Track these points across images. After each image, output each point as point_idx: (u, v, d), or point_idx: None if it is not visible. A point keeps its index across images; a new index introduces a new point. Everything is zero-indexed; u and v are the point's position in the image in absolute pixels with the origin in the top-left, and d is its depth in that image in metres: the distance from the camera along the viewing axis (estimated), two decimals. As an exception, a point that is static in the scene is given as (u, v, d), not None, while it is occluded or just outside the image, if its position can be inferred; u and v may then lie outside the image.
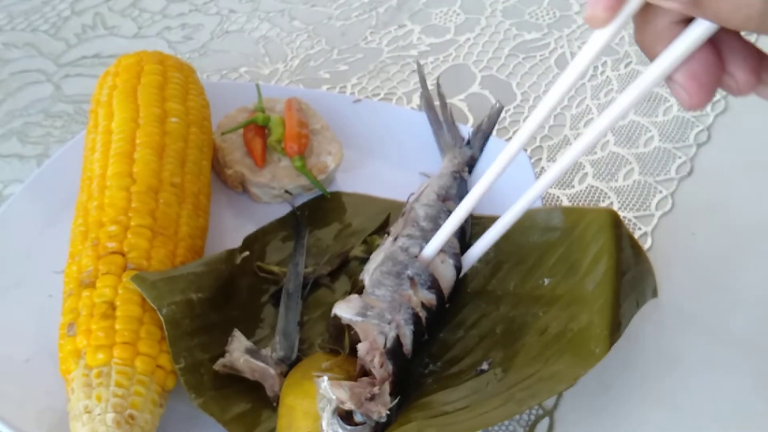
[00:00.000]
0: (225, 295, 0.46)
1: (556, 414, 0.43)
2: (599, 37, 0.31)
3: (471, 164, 0.54)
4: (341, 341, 0.41)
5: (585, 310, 0.42)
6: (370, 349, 0.39)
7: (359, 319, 0.40)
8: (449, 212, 0.47)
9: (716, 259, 0.50)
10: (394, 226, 0.48)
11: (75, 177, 0.50)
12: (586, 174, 0.57)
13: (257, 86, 0.58)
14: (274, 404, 0.41)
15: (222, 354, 0.42)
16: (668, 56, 0.30)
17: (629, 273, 0.43)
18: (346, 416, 0.37)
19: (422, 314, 0.42)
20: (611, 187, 0.56)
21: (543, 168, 0.57)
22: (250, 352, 0.42)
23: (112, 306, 0.41)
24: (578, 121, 0.61)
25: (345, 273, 0.49)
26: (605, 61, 0.66)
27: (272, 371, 0.41)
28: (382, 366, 0.39)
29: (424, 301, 0.43)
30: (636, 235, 0.50)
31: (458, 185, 0.51)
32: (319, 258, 0.50)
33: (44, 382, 0.42)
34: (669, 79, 0.30)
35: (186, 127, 0.50)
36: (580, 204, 0.55)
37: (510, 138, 0.60)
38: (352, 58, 0.69)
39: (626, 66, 0.66)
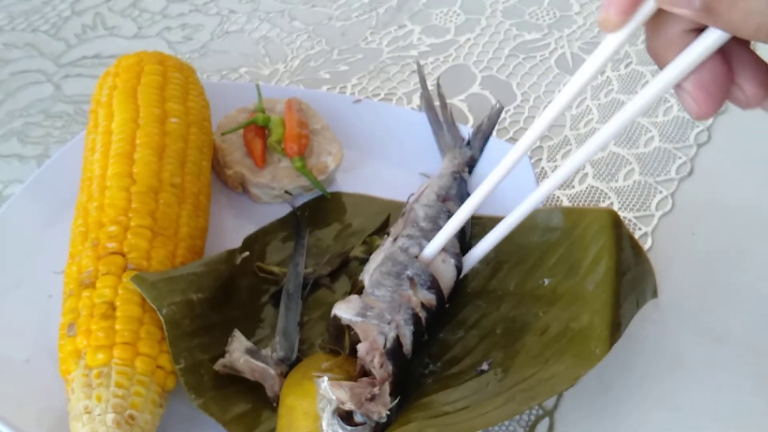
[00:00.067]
0: (225, 296, 0.46)
1: (557, 414, 0.43)
2: (611, 42, 0.31)
3: (471, 164, 0.54)
4: (341, 341, 0.41)
5: (585, 310, 0.42)
6: (370, 350, 0.39)
7: (359, 319, 0.40)
8: (449, 212, 0.47)
9: (716, 259, 0.50)
10: (394, 227, 0.47)
11: (75, 177, 0.50)
12: (586, 174, 0.57)
13: (257, 86, 0.58)
14: (274, 404, 0.41)
15: (222, 354, 0.42)
16: (678, 64, 0.30)
17: (629, 273, 0.43)
18: (346, 416, 0.37)
19: (422, 314, 0.42)
20: (611, 188, 0.56)
21: (543, 168, 0.57)
22: (250, 352, 0.42)
23: (112, 306, 0.41)
24: (578, 122, 0.61)
25: (345, 273, 0.49)
26: (605, 62, 0.66)
27: (272, 371, 0.41)
28: (382, 366, 0.39)
29: (424, 301, 0.43)
30: (636, 236, 0.50)
31: (458, 185, 0.51)
32: (320, 258, 0.50)
33: (44, 382, 0.42)
34: (678, 87, 0.30)
35: (186, 128, 0.50)
36: (581, 204, 0.55)
37: (510, 138, 0.60)
38: (353, 58, 0.69)
39: (626, 66, 0.66)
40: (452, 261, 0.45)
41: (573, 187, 0.56)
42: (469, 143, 0.55)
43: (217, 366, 0.42)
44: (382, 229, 0.51)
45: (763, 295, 0.48)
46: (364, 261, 0.48)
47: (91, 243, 0.43)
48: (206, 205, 0.50)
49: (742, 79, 0.29)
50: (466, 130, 0.56)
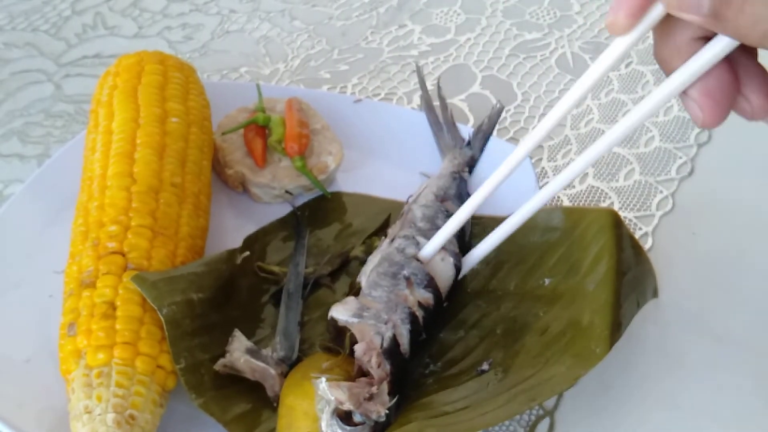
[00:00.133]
0: (225, 295, 0.46)
1: (557, 414, 0.43)
2: (618, 45, 0.31)
3: (471, 164, 0.54)
4: (341, 341, 0.41)
5: (586, 310, 0.42)
6: (367, 350, 0.39)
7: (355, 320, 0.40)
8: (447, 212, 0.47)
9: (717, 259, 0.50)
10: (392, 228, 0.48)
11: (75, 177, 0.50)
12: (586, 174, 0.57)
13: (258, 86, 0.57)
14: (275, 404, 0.41)
15: (222, 354, 0.42)
16: (686, 70, 0.30)
17: (630, 273, 0.43)
18: (345, 417, 0.37)
19: (419, 313, 0.42)
20: (612, 187, 0.56)
21: (543, 168, 0.57)
22: (251, 352, 0.42)
23: (113, 306, 0.41)
24: (579, 121, 0.61)
25: (345, 273, 0.49)
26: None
27: (272, 371, 0.41)
28: (379, 366, 0.39)
29: (421, 300, 0.43)
30: (637, 235, 0.50)
31: (457, 185, 0.51)
32: (320, 258, 0.50)
33: (44, 382, 0.42)
34: (684, 94, 0.30)
35: (186, 127, 0.50)
36: (581, 204, 0.55)
37: (511, 138, 0.60)
38: (353, 58, 0.69)
39: (627, 66, 0.66)
40: (451, 260, 0.45)
41: (573, 186, 0.56)
42: (469, 143, 0.55)
43: (218, 366, 0.42)
44: (383, 229, 0.51)
45: (763, 295, 0.48)
46: (364, 261, 0.48)
47: (92, 242, 0.43)
48: (207, 204, 0.50)
49: (748, 90, 0.30)
50: (467, 130, 0.56)
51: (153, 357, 0.40)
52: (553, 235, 0.46)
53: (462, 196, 0.50)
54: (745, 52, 0.30)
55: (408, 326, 0.41)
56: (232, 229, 0.52)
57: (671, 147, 0.58)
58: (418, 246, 0.45)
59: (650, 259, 0.46)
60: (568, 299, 0.43)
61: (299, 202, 0.54)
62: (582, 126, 0.61)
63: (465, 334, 0.45)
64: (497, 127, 0.59)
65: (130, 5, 0.76)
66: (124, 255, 0.43)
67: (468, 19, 0.73)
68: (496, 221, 0.43)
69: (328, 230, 0.52)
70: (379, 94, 0.65)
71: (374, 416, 0.37)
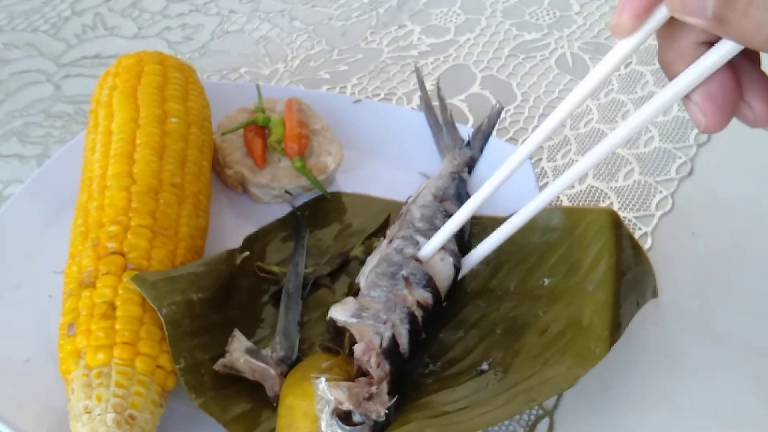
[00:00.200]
0: (225, 296, 0.46)
1: (557, 414, 0.43)
2: (621, 48, 0.31)
3: (471, 165, 0.54)
4: (341, 342, 0.41)
5: (585, 310, 0.42)
6: (366, 350, 0.39)
7: (354, 320, 0.41)
8: (446, 212, 0.47)
9: (716, 259, 0.50)
10: (390, 229, 0.48)
11: (75, 177, 0.50)
12: (586, 174, 0.57)
13: (257, 86, 0.58)
14: (274, 404, 0.41)
15: (222, 354, 0.42)
16: (689, 74, 0.30)
17: (629, 273, 0.43)
18: (344, 417, 0.37)
19: (418, 313, 0.42)
20: (611, 188, 0.56)
21: (543, 168, 0.57)
22: (251, 352, 0.42)
23: (112, 306, 0.41)
24: (578, 122, 0.61)
25: (345, 273, 0.49)
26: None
27: (272, 371, 0.41)
28: (378, 366, 0.39)
29: (420, 300, 0.43)
30: (636, 236, 0.50)
31: (456, 185, 0.51)
32: (320, 258, 0.50)
33: (44, 382, 0.42)
34: (687, 98, 0.30)
35: (186, 128, 0.50)
36: (581, 204, 0.55)
37: (510, 138, 0.60)
38: (353, 58, 0.69)
39: (627, 66, 0.66)
40: (451, 260, 0.45)
41: (573, 187, 0.56)
42: (469, 144, 0.55)
43: (217, 366, 0.42)
44: (382, 230, 0.51)
45: (763, 295, 0.48)
46: (364, 261, 0.48)
47: (91, 243, 0.43)
48: (206, 204, 0.50)
49: (751, 97, 0.30)
50: (466, 130, 0.56)
51: (153, 357, 0.40)
52: (553, 235, 0.46)
53: (461, 196, 0.50)
54: (748, 59, 0.30)
55: (407, 326, 0.41)
56: (232, 230, 0.52)
57: (671, 147, 0.58)
58: (417, 246, 0.45)
59: (650, 259, 0.46)
60: (567, 299, 0.43)
61: (299, 202, 0.54)
62: (581, 126, 0.61)
63: (465, 334, 0.45)
64: (497, 127, 0.59)
65: (129, 6, 0.76)
66: (123, 255, 0.43)
67: (468, 19, 0.73)
68: (495, 221, 0.43)
69: (328, 230, 0.52)
70: (378, 95, 0.65)
71: (374, 416, 0.37)
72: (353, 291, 0.44)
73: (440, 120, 0.57)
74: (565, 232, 0.46)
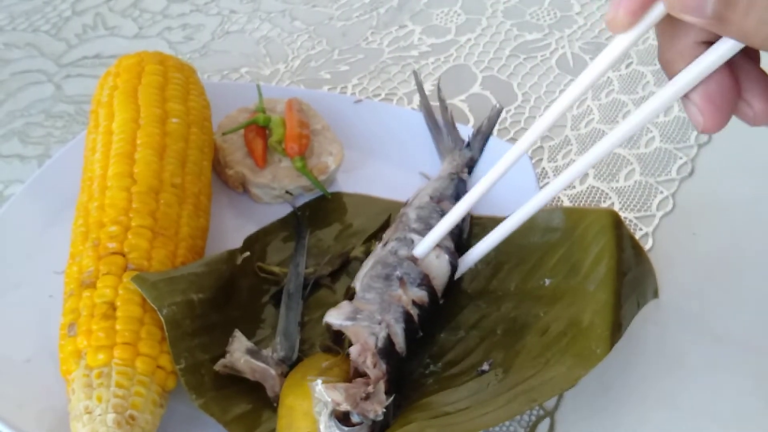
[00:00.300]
0: (226, 296, 0.46)
1: (557, 414, 0.43)
2: (618, 44, 0.31)
3: (471, 165, 0.54)
4: (341, 342, 0.41)
5: (586, 310, 0.42)
6: (362, 351, 0.39)
7: (349, 323, 0.41)
8: (443, 212, 0.47)
9: (717, 259, 0.50)
10: (386, 232, 0.48)
11: (76, 177, 0.50)
12: (587, 174, 0.57)
13: (258, 87, 0.58)
14: (275, 405, 0.41)
15: (223, 354, 0.42)
16: (688, 73, 0.30)
17: (630, 273, 0.43)
18: (343, 418, 0.37)
19: (413, 311, 0.42)
20: (612, 188, 0.56)
21: (544, 168, 0.57)
22: (251, 352, 0.42)
23: (113, 306, 0.41)
24: (579, 122, 0.61)
25: (346, 273, 0.49)
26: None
27: (273, 372, 0.41)
28: (375, 366, 0.39)
29: (415, 298, 0.43)
30: (637, 236, 0.50)
31: (455, 186, 0.51)
32: (320, 258, 0.50)
33: (45, 382, 0.42)
34: (685, 98, 0.30)
35: (187, 128, 0.50)
36: (581, 204, 0.55)
37: (511, 138, 0.60)
38: (353, 58, 0.69)
39: (627, 66, 0.66)
40: (446, 257, 0.45)
41: (574, 187, 0.56)
42: (468, 144, 0.55)
43: (218, 366, 0.42)
44: (383, 230, 0.51)
45: (763, 295, 0.48)
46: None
47: (92, 243, 0.43)
48: (207, 205, 0.50)
49: (750, 95, 0.29)
50: (467, 131, 0.56)
51: (153, 357, 0.40)
52: (554, 236, 0.46)
53: (460, 196, 0.50)
54: (747, 58, 0.30)
55: (402, 324, 0.41)
56: (233, 230, 0.52)
57: (672, 147, 0.58)
58: (412, 245, 0.45)
59: (650, 259, 0.46)
60: (568, 300, 0.43)
61: (299, 202, 0.54)
62: (582, 126, 0.61)
63: (465, 335, 0.45)
64: (497, 127, 0.59)
65: (130, 6, 0.76)
66: (124, 255, 0.43)
67: (468, 19, 0.73)
68: (496, 222, 0.43)
69: (329, 231, 0.52)
70: (379, 95, 0.65)
71: (371, 415, 0.37)
72: (349, 295, 0.44)
73: (440, 121, 0.57)
74: (565, 233, 0.46)
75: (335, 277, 0.49)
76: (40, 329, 0.45)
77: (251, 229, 0.52)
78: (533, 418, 0.43)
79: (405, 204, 0.50)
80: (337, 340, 0.41)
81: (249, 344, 0.42)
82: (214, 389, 0.41)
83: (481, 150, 0.55)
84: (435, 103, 0.58)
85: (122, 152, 0.47)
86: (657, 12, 0.29)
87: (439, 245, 0.44)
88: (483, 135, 0.55)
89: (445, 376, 0.43)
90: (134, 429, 0.37)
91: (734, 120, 0.31)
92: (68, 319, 0.41)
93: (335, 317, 0.41)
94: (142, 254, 0.43)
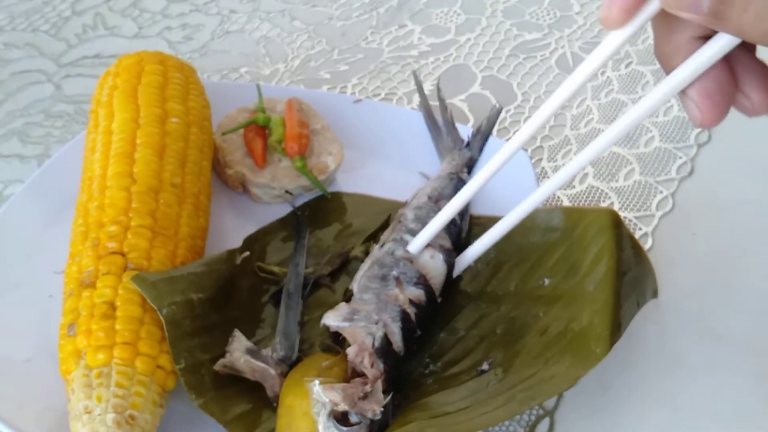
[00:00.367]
0: (225, 296, 0.46)
1: (557, 414, 0.43)
2: (612, 40, 0.31)
3: (470, 165, 0.54)
4: (341, 342, 0.41)
5: (585, 310, 0.42)
6: (359, 351, 0.39)
7: (346, 324, 0.41)
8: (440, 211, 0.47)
9: (717, 259, 0.50)
10: (384, 233, 0.48)
11: (75, 177, 0.50)
12: (586, 174, 0.57)
13: (258, 86, 0.58)
14: (275, 404, 0.41)
15: (222, 354, 0.42)
16: (685, 69, 0.30)
17: (630, 273, 0.43)
18: (341, 418, 0.37)
19: (410, 310, 0.42)
20: (612, 188, 0.56)
21: (543, 168, 0.57)
22: (251, 352, 0.42)
23: (113, 306, 0.41)
24: (579, 121, 0.61)
25: (345, 273, 0.49)
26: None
27: (272, 371, 0.41)
28: (372, 366, 0.39)
29: (412, 297, 0.43)
30: (637, 236, 0.50)
31: (454, 185, 0.51)
32: (320, 258, 0.50)
33: (44, 382, 0.42)
34: (683, 94, 0.30)
35: (186, 128, 0.50)
36: (581, 204, 0.55)
37: (510, 138, 0.60)
38: (353, 58, 0.69)
39: (627, 66, 0.66)
40: (441, 256, 0.45)
41: (573, 187, 0.56)
42: (468, 144, 0.55)
43: (218, 366, 0.42)
44: (383, 229, 0.51)
45: (763, 295, 0.48)
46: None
47: (92, 243, 0.43)
48: (207, 204, 0.50)
49: (747, 87, 0.29)
50: (467, 131, 0.56)
51: (153, 357, 0.40)
52: (553, 236, 0.46)
53: (460, 196, 0.50)
54: (743, 51, 0.29)
55: (399, 324, 0.41)
56: (232, 229, 0.52)
57: (671, 147, 0.58)
58: (408, 242, 0.45)
59: (650, 259, 0.46)
60: (568, 299, 0.43)
61: (299, 202, 0.54)
62: (582, 126, 0.61)
63: (465, 335, 0.45)
64: (497, 127, 0.59)
65: (130, 5, 0.76)
66: (124, 255, 0.43)
67: (468, 19, 0.73)
68: (495, 222, 0.43)
69: (328, 230, 0.52)
70: (379, 95, 0.65)
71: (369, 414, 0.37)
72: (346, 297, 0.44)
73: (440, 121, 0.57)
74: (565, 232, 0.46)
75: (335, 277, 0.49)
76: (40, 329, 0.45)
77: (251, 228, 0.52)
78: (533, 417, 0.43)
79: (404, 204, 0.50)
80: (337, 340, 0.42)
81: (249, 344, 0.42)
82: (213, 389, 0.41)
83: (481, 150, 0.55)
84: (435, 103, 0.58)
85: (122, 152, 0.47)
86: (651, 8, 0.29)
87: (433, 245, 0.45)
88: (482, 135, 0.55)
89: (444, 376, 0.43)
90: (134, 429, 0.37)
91: (734, 120, 0.31)
92: (68, 318, 0.41)
93: (332, 319, 0.41)
94: (141, 254, 0.43)
